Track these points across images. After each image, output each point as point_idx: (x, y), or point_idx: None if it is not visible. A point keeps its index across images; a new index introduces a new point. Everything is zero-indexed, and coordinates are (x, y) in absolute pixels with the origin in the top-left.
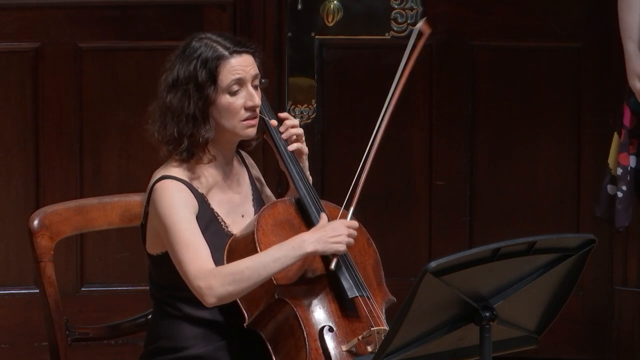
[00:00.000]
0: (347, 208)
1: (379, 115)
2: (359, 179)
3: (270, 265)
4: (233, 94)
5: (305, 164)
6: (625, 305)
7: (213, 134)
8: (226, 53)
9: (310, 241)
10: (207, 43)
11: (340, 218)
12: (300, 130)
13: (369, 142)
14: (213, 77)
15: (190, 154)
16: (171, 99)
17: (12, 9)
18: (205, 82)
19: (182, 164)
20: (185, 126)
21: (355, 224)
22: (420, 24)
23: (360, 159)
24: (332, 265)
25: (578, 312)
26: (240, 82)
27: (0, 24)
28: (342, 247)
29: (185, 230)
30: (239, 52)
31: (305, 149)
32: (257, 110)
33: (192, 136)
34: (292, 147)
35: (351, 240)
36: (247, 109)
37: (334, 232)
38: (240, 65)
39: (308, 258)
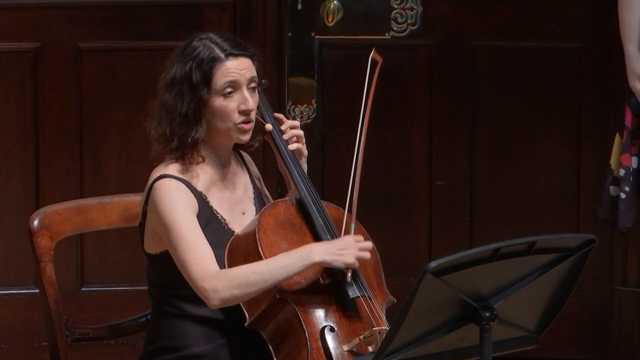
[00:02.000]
0: (349, 214)
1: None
2: (354, 187)
3: (277, 272)
4: (226, 96)
5: (304, 167)
6: (625, 305)
7: (203, 135)
8: (222, 55)
9: (318, 251)
10: (206, 44)
11: (345, 222)
12: (301, 132)
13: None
14: (207, 78)
15: (181, 153)
16: (167, 97)
17: (12, 9)
18: (199, 84)
19: (179, 163)
20: (177, 126)
21: (366, 242)
22: (372, 53)
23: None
24: (348, 278)
25: (578, 312)
26: (234, 85)
27: (0, 24)
28: (349, 260)
29: (187, 230)
30: (235, 55)
31: (305, 151)
32: (252, 114)
33: (182, 136)
34: (292, 146)
35: (362, 254)
36: (240, 112)
37: (343, 245)
38: (236, 68)
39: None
